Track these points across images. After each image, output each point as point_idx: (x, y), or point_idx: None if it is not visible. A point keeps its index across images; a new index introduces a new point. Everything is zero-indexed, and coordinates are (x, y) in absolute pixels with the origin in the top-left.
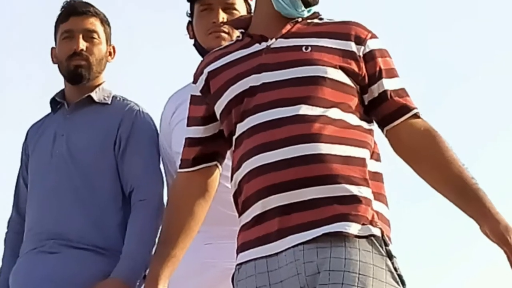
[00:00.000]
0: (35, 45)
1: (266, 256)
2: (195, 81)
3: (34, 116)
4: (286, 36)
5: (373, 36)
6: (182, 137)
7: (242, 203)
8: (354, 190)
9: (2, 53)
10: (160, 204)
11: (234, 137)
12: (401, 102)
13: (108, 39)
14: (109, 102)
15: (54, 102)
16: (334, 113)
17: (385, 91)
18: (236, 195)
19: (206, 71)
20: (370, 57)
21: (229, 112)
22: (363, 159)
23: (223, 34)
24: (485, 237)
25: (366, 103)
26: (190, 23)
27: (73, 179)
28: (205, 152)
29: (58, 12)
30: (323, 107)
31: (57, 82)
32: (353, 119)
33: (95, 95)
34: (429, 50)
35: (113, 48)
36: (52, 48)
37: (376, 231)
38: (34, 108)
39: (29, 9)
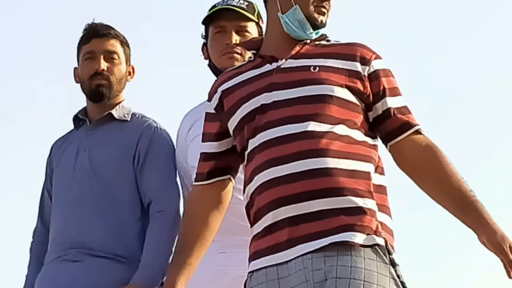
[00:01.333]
0: (59, 66)
1: (276, 264)
2: (209, 99)
3: (58, 132)
4: (295, 57)
5: (377, 57)
6: (197, 152)
7: (254, 214)
8: (360, 202)
9: (29, 73)
10: (177, 215)
11: (246, 152)
12: (404, 119)
13: (127, 60)
14: (129, 119)
15: (76, 119)
16: (341, 129)
17: (388, 109)
18: (248, 207)
19: (220, 89)
20: (374, 76)
21: (242, 128)
22: (368, 173)
23: (236, 55)
24: (482, 246)
25: (370, 120)
26: (205, 44)
27: (95, 192)
28: (219, 166)
29: (81, 34)
30: (330, 124)
31: (79, 100)
32: (359, 135)
33: (116, 113)
34: (430, 73)
35: (133, 68)
36: (75, 68)
37: (380, 241)
38: (58, 124)
39: (53, 33)
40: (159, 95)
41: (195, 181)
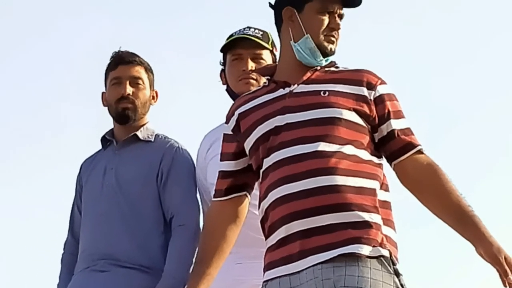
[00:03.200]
0: (88, 91)
1: (289, 274)
2: (227, 122)
3: (87, 152)
4: (307, 82)
5: (383, 82)
6: (216, 170)
7: (268, 228)
8: (366, 216)
9: (61, 97)
10: (197, 228)
11: (261, 170)
12: (407, 140)
13: (151, 85)
14: (152, 140)
15: (104, 140)
16: (349, 149)
17: (393, 130)
18: (263, 221)
19: (237, 112)
20: (379, 100)
21: (257, 148)
22: (374, 190)
23: (251, 81)
24: (480, 258)
25: (376, 140)
26: (223, 71)
27: (121, 207)
28: (236, 184)
29: (108, 61)
30: (339, 144)
31: (107, 123)
32: (365, 155)
33: (140, 134)
34: (431, 95)
35: (156, 92)
36: (103, 93)
37: (385, 252)
38: (87, 145)
39: (83, 60)
40: (181, 117)
41: (214, 197)
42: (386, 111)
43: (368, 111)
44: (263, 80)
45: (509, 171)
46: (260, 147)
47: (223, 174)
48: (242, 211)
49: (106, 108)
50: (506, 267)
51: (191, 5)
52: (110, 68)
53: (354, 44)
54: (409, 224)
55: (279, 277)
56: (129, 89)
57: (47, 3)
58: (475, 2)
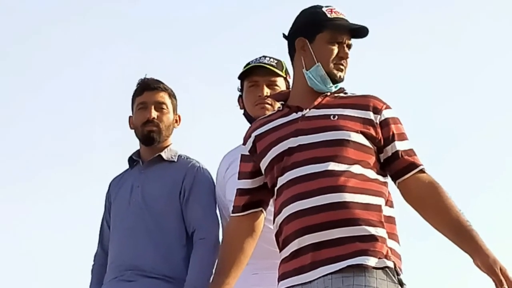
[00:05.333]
0: (116, 115)
1: (301, 284)
2: (244, 143)
3: (115, 171)
4: (318, 107)
5: (388, 107)
6: (234, 188)
7: (282, 241)
8: (372, 230)
9: (91, 121)
10: (217, 242)
11: (276, 188)
12: (410, 160)
13: (175, 109)
14: (176, 160)
15: (131, 160)
16: (356, 169)
17: (397, 151)
18: (277, 235)
19: (253, 135)
20: (385, 123)
21: (272, 168)
22: (379, 206)
23: (267, 106)
24: (477, 269)
25: (381, 160)
26: (240, 96)
27: (147, 222)
28: (252, 200)
29: (134, 87)
30: (347, 164)
31: (133, 144)
32: (371, 174)
33: (164, 154)
34: (433, 119)
35: (179, 116)
36: (130, 117)
37: (390, 264)
38: (116, 165)
39: (111, 87)
40: (202, 139)
41: (232, 213)
42: (391, 133)
43: (374, 134)
44: (278, 105)
45: (505, 188)
46: (275, 167)
47: (240, 192)
48: (258, 225)
49: (133, 131)
50: (501, 277)
51: (211, 38)
52: (137, 94)
53: (361, 71)
54: (412, 237)
55: (292, 286)
56: (154, 113)
57: (79, 35)
58: (473, 35)
